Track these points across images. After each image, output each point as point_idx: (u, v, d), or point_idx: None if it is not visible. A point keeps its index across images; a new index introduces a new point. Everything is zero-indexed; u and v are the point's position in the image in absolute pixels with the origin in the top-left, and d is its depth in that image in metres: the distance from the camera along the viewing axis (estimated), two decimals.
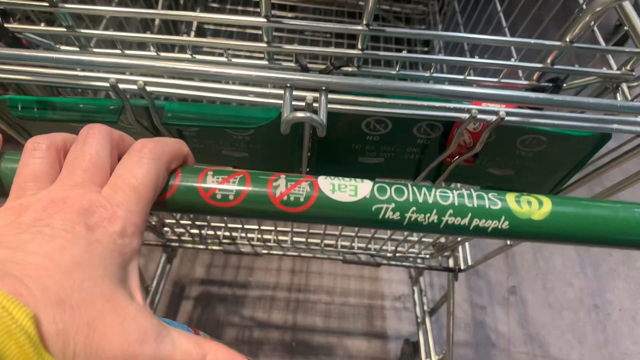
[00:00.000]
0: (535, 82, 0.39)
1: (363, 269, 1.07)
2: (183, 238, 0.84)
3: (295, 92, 0.33)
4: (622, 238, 0.28)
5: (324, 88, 0.33)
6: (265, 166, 0.50)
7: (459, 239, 0.76)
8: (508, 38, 0.35)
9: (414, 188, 0.29)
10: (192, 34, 0.98)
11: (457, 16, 0.88)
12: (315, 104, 0.33)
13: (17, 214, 0.23)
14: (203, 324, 0.99)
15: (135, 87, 0.34)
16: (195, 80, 0.35)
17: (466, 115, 0.35)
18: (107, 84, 0.34)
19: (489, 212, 0.28)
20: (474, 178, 0.50)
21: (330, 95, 0.34)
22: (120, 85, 0.35)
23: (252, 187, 0.27)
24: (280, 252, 0.84)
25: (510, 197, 0.29)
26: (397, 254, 0.83)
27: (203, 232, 0.81)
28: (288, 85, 0.33)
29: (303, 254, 0.84)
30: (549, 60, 0.37)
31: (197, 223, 0.77)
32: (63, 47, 0.38)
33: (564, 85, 0.39)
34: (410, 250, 0.82)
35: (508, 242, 0.66)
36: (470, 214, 0.28)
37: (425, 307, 0.95)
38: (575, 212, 0.28)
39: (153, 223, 0.78)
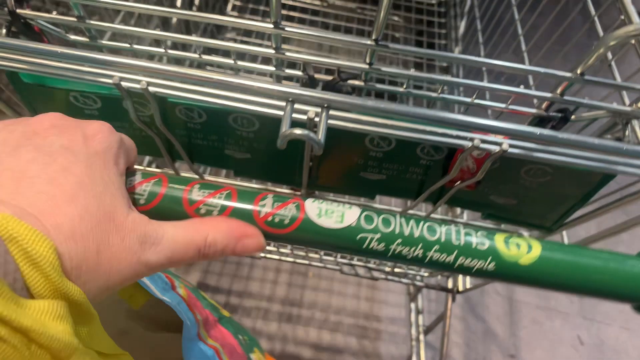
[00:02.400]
0: (544, 111, 0.38)
1: (360, 289, 1.06)
2: None
3: (298, 106, 0.33)
4: (610, 290, 0.27)
5: (325, 105, 0.32)
6: (267, 171, 0.50)
7: None
8: (517, 65, 0.35)
9: (402, 220, 0.28)
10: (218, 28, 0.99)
11: (479, 34, 0.87)
12: (317, 119, 0.33)
13: (8, 124, 0.25)
14: None
15: (138, 86, 0.34)
16: (199, 85, 0.35)
17: (469, 144, 0.34)
18: (111, 80, 0.34)
19: (476, 252, 0.27)
20: (475, 204, 0.49)
21: (332, 112, 0.34)
22: (124, 84, 0.34)
23: (238, 203, 0.27)
24: (277, 257, 0.83)
25: (500, 238, 0.28)
26: (396, 269, 0.82)
27: None
28: (289, 99, 0.32)
29: (299, 261, 0.84)
30: (558, 91, 0.36)
31: None
32: (73, 37, 0.38)
33: (573, 117, 0.38)
34: (410, 266, 0.81)
35: None
36: (456, 252, 0.27)
37: (421, 329, 0.95)
38: (564, 259, 0.27)
39: None
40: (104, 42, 0.38)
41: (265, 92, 0.32)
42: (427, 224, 0.28)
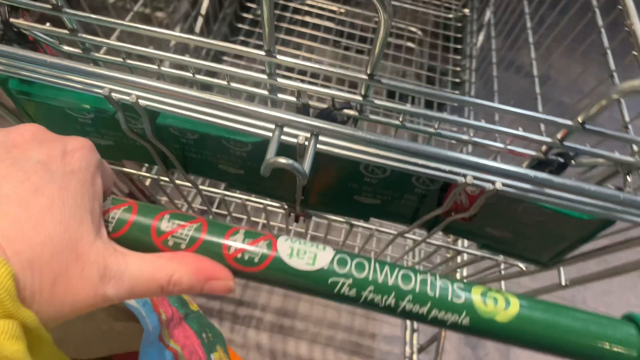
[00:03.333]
0: (543, 154, 0.37)
1: None
2: None
3: (289, 129, 0.32)
4: (589, 354, 0.26)
5: (314, 132, 0.31)
6: (260, 187, 0.49)
7: None
8: (517, 110, 0.34)
9: (377, 265, 0.27)
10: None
11: (492, 54, 0.86)
12: (307, 143, 0.32)
13: None
14: None
15: (129, 98, 0.34)
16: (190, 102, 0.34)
17: (462, 180, 0.33)
18: (101, 91, 0.34)
19: (450, 305, 0.26)
20: (471, 234, 0.48)
21: (323, 138, 0.33)
22: (115, 95, 0.34)
23: (208, 236, 0.26)
24: None
25: (477, 291, 0.27)
26: None
27: None
28: (279, 124, 0.32)
29: None
30: (559, 136, 0.35)
31: None
32: (67, 48, 0.38)
33: (573, 162, 0.37)
34: None
35: None
36: (430, 303, 0.26)
37: (415, 348, 0.93)
38: (543, 319, 0.26)
39: None
40: (97, 55, 0.37)
41: (254, 114, 0.31)
42: (402, 272, 0.27)
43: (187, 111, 0.34)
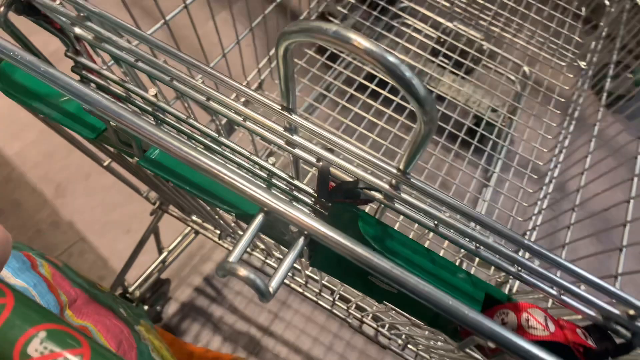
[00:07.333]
0: (603, 319, 0.28)
1: (370, 349, 0.95)
2: (206, 225, 0.79)
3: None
4: None
5: (304, 233, 0.24)
6: (266, 230, 0.43)
7: None
8: (586, 274, 0.25)
9: None
10: None
11: (596, 127, 0.74)
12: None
13: None
14: (186, 312, 0.94)
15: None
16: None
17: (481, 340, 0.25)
18: (84, 105, 0.28)
19: None
20: None
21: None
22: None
23: None
24: (288, 283, 0.77)
25: None
26: (409, 346, 0.74)
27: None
28: (265, 208, 0.25)
29: (309, 295, 0.77)
30: (631, 312, 0.26)
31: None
32: (78, 31, 0.32)
33: None
34: (422, 350, 0.72)
35: None
36: None
37: None
38: None
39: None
40: (109, 47, 0.32)
41: (236, 188, 0.25)
42: None
43: (175, 150, 0.28)
